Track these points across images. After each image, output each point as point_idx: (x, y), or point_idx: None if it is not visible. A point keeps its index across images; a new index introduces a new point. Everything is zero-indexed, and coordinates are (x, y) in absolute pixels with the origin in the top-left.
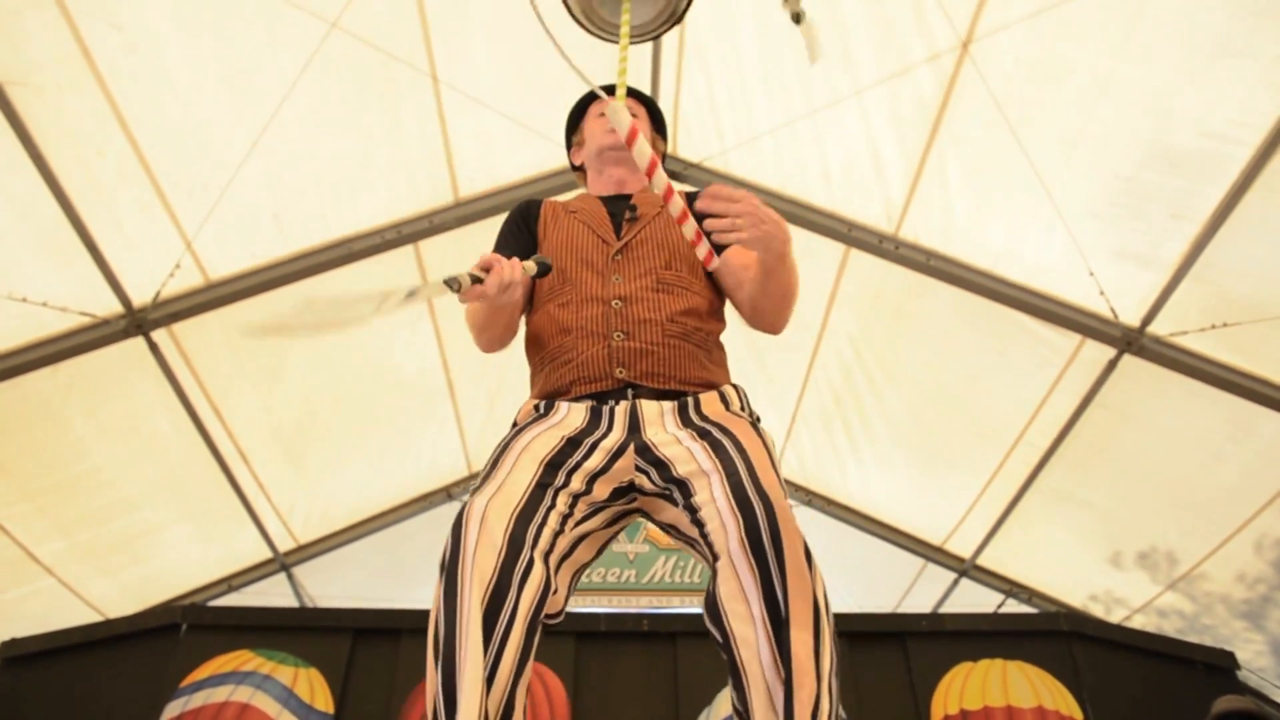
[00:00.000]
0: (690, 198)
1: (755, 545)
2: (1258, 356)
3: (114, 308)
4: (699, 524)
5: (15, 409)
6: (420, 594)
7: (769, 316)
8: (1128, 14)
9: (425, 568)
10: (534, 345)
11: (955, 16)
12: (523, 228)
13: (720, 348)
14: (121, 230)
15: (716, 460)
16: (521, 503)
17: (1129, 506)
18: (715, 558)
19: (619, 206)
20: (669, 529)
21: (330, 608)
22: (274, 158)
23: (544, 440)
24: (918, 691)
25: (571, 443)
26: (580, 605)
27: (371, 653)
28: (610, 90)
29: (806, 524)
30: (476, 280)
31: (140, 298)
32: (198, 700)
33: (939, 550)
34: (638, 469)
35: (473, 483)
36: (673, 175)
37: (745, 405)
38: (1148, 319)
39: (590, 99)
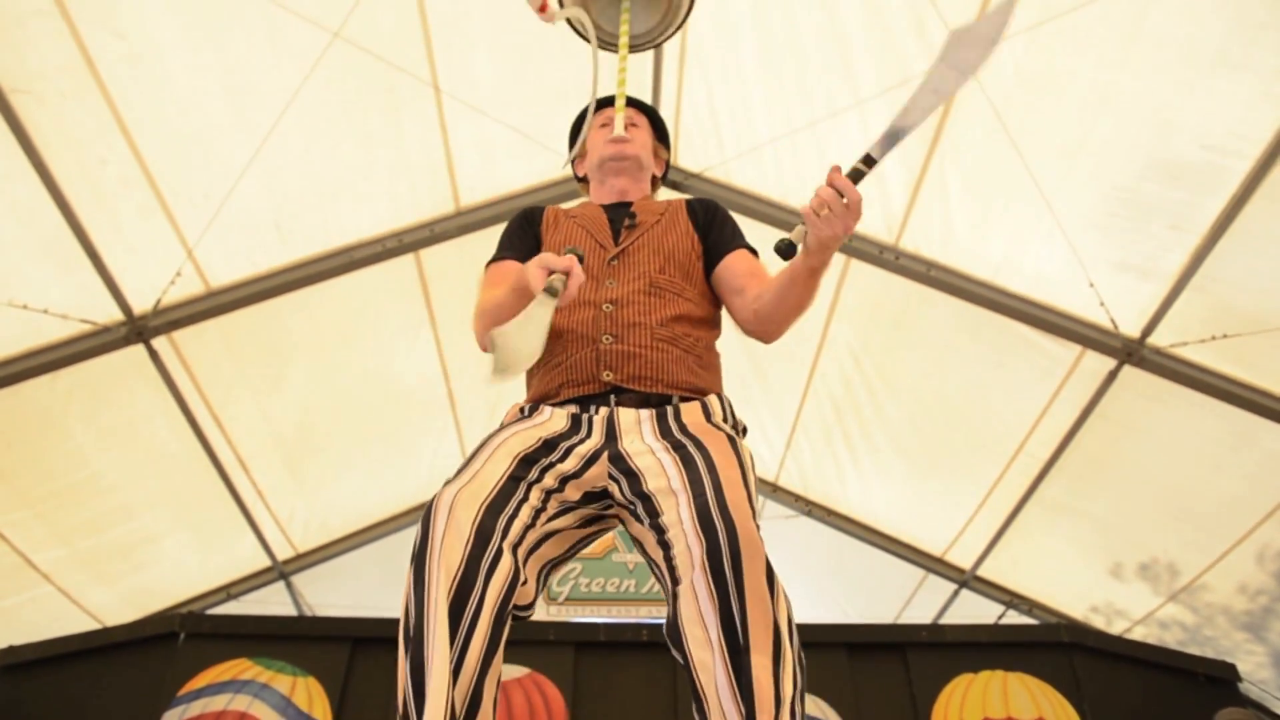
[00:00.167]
0: (691, 204)
1: (715, 569)
2: (1258, 368)
3: (115, 315)
4: (665, 545)
5: (15, 416)
6: None
7: (773, 326)
8: (1127, 26)
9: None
10: None
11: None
12: (527, 230)
13: (713, 355)
14: (123, 238)
15: (686, 479)
16: (492, 494)
17: (1130, 518)
18: (676, 582)
19: (619, 214)
20: (636, 543)
21: (329, 616)
22: (275, 166)
23: (521, 438)
24: (918, 703)
25: (548, 444)
26: (579, 615)
27: (370, 662)
28: (610, 100)
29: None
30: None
31: (141, 305)
32: (195, 709)
33: (939, 561)
34: (610, 477)
35: None
36: (674, 185)
37: (728, 416)
38: (1148, 330)
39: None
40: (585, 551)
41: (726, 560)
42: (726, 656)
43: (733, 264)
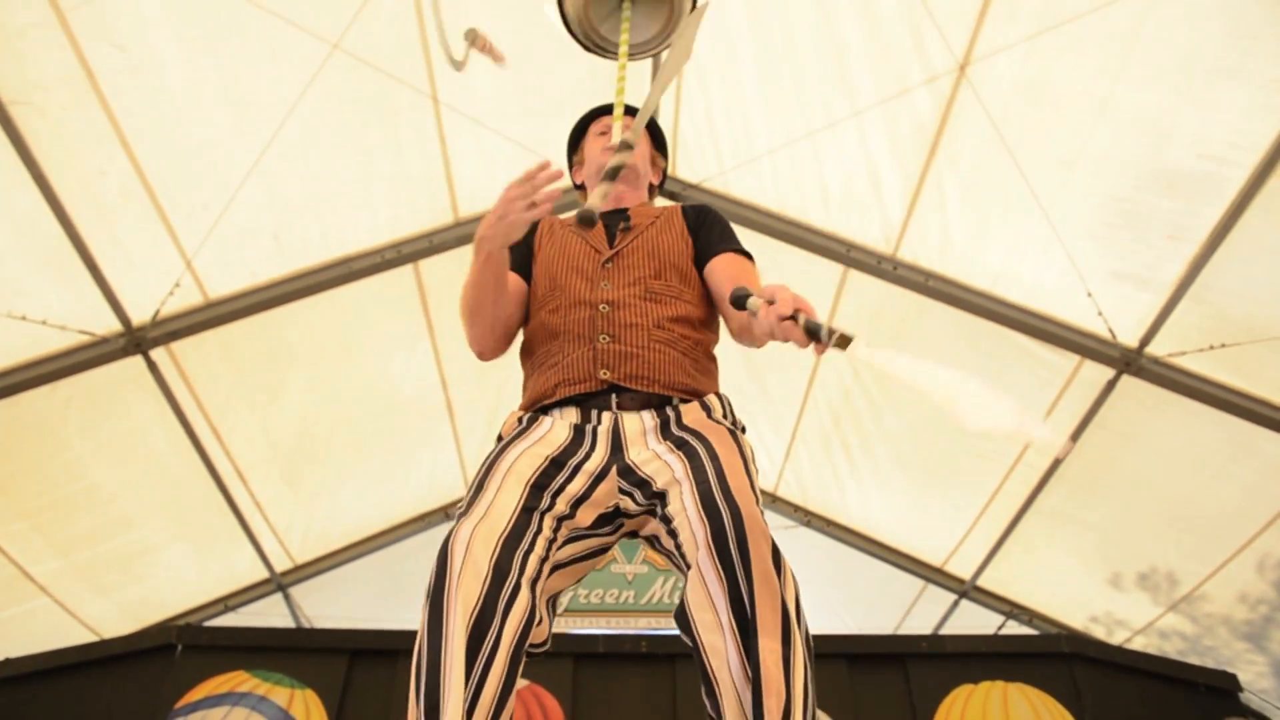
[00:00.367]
0: (685, 209)
1: (721, 551)
2: (1257, 377)
3: (113, 326)
4: (673, 534)
5: (13, 427)
6: (418, 615)
7: (752, 343)
8: (1124, 36)
9: (423, 589)
10: (526, 352)
11: (952, 39)
12: (521, 240)
13: (711, 359)
14: (122, 249)
15: (689, 467)
16: (508, 528)
17: (1129, 527)
18: (688, 567)
19: (614, 219)
20: (651, 541)
21: (327, 628)
22: (274, 177)
23: (528, 459)
24: (918, 714)
25: (555, 463)
26: (578, 627)
27: (368, 674)
28: (609, 109)
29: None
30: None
31: (139, 316)
32: None
33: (939, 571)
34: (621, 491)
35: None
36: (671, 196)
37: (728, 413)
38: (1146, 339)
39: (589, 119)
40: None
41: (732, 541)
42: (738, 638)
43: (720, 266)
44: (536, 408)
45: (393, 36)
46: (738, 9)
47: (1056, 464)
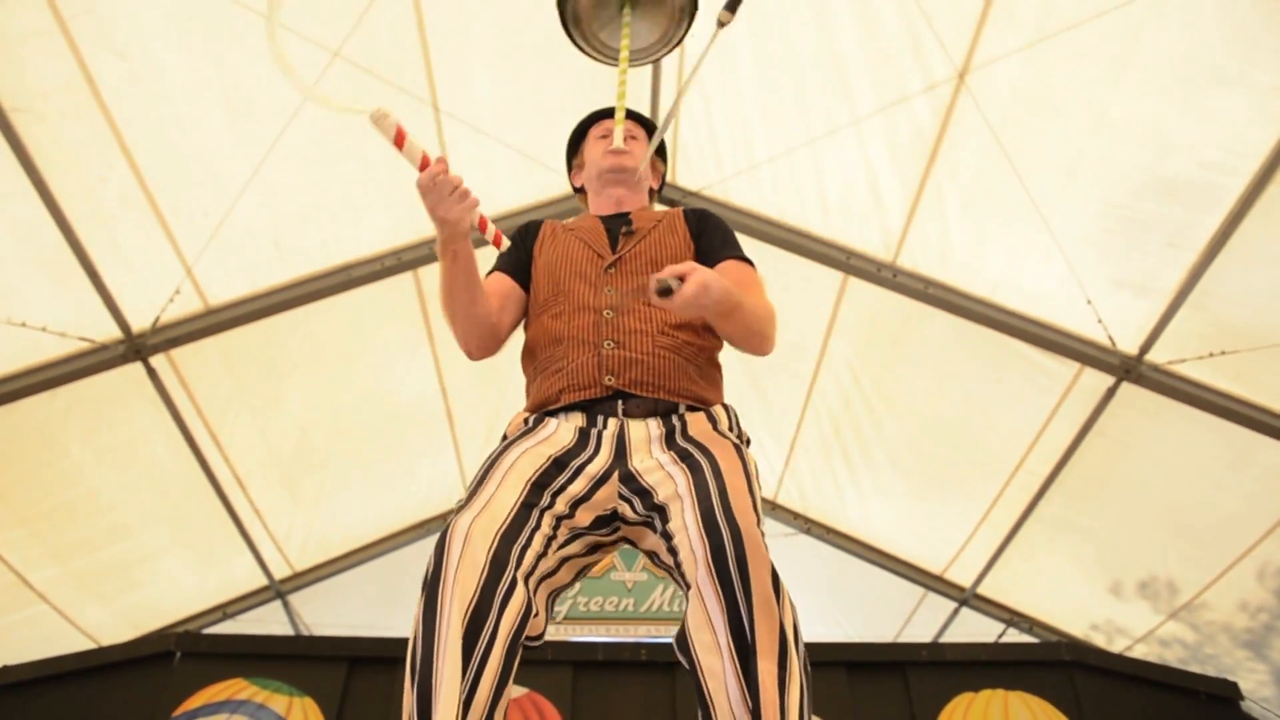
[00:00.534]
0: (687, 213)
1: (721, 571)
2: (1256, 384)
3: (113, 333)
4: (673, 551)
5: (12, 433)
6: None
7: (738, 346)
8: (1123, 44)
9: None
10: (528, 357)
11: (952, 47)
12: (519, 244)
13: (715, 366)
14: (121, 256)
15: (691, 483)
16: (506, 522)
17: (1129, 535)
18: (688, 586)
19: (616, 224)
20: (651, 556)
21: (326, 636)
22: (274, 184)
23: (530, 458)
24: None
25: (557, 463)
26: (578, 634)
27: (367, 682)
28: (609, 112)
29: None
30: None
31: (139, 323)
32: None
33: (939, 579)
34: (620, 497)
35: None
36: (671, 203)
37: (734, 425)
38: (1145, 347)
39: (590, 122)
40: None
41: (732, 562)
42: (737, 662)
43: (722, 274)
44: (542, 411)
45: (393, 44)
46: (738, 17)
47: (1056, 472)
